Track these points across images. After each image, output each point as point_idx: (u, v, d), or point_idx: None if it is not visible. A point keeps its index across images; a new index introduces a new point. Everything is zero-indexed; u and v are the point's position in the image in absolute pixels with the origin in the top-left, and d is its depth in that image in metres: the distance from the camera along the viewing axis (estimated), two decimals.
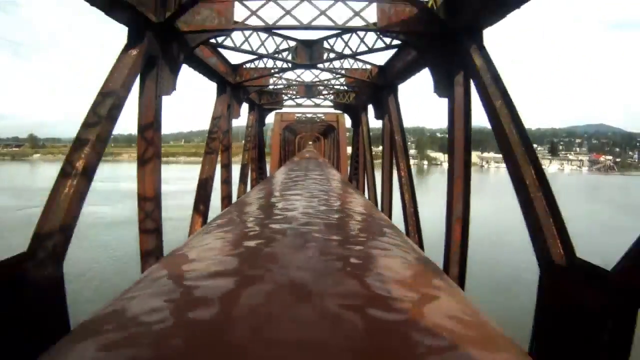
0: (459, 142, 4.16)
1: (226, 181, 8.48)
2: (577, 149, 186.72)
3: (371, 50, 5.71)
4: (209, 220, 5.86)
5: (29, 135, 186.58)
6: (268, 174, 14.46)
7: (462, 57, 3.88)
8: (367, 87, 8.30)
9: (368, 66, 7.70)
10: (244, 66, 7.84)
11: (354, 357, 1.58)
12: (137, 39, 3.93)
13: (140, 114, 4.30)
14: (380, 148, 8.76)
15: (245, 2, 4.50)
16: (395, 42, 5.36)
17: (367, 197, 9.73)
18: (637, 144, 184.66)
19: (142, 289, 2.35)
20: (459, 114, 4.19)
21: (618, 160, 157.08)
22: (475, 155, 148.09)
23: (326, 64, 7.27)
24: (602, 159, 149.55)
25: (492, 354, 1.71)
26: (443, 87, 4.27)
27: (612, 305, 2.10)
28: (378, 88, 7.70)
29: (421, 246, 5.73)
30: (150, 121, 4.34)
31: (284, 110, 15.82)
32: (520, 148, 3.07)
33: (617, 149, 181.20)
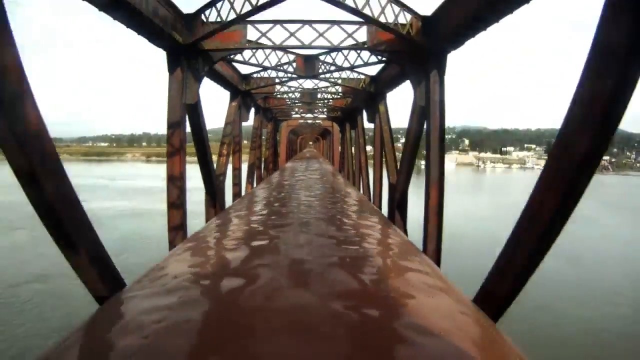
0: (377, 148, 9.59)
1: (259, 167, 13.91)
2: None
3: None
4: (254, 186, 11.41)
5: None
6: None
7: (377, 105, 9.24)
8: (344, 111, 13.82)
9: (347, 95, 13.01)
10: (273, 97, 13.21)
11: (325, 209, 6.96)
12: (235, 97, 9.33)
13: (233, 131, 9.71)
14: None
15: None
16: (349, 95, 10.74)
17: (347, 179, 15.18)
18: (635, 144, 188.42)
19: (238, 205, 7.63)
20: (378, 132, 9.56)
21: (614, 160, 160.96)
22: (472, 155, 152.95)
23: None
24: None
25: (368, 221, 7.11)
26: (371, 118, 9.69)
27: (396, 194, 7.43)
28: (352, 110, 13.14)
29: (370, 198, 11.12)
30: (237, 133, 9.76)
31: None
32: (390, 149, 8.41)
33: (615, 150, 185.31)
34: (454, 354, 2.13)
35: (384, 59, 6.90)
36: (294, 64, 7.82)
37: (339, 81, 9.90)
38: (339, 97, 12.00)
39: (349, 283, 3.27)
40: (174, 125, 5.57)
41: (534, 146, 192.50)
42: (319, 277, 3.37)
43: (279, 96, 11.64)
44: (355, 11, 4.67)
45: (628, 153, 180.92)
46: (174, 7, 5.18)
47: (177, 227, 5.64)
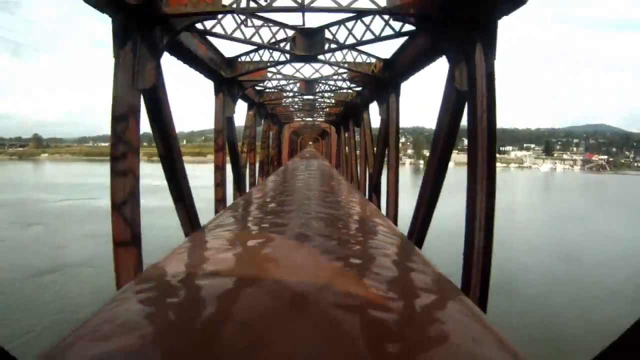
0: (362, 148, 12.46)
1: (267, 163, 16.84)
2: (574, 148, 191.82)
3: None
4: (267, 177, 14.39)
5: (34, 135, 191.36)
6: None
7: (362, 114, 12.12)
8: (338, 116, 16.76)
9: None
10: (278, 108, 16.11)
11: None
12: (252, 107, 12.23)
13: (250, 134, 12.57)
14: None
15: None
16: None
17: (343, 174, 18.10)
18: (634, 143, 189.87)
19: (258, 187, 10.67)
20: (362, 135, 12.44)
21: (611, 159, 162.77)
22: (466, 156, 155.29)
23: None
24: (594, 158, 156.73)
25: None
26: (357, 124, 12.56)
27: None
28: (344, 116, 16.06)
29: (358, 187, 14.01)
30: (253, 135, 12.65)
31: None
32: (370, 147, 11.28)
33: (614, 149, 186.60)
34: (377, 248, 4.90)
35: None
36: (298, 85, 10.74)
37: (333, 94, 12.92)
38: (333, 105, 14.90)
39: (333, 214, 6.20)
40: (218, 131, 8.46)
41: (532, 146, 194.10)
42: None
43: (284, 104, 14.56)
44: (336, 64, 7.54)
45: (627, 152, 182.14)
46: (221, 54, 8.08)
47: (220, 200, 8.55)
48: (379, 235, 5.44)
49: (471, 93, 4.54)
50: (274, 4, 4.50)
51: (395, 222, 8.30)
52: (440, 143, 5.28)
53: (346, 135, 18.46)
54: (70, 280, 14.54)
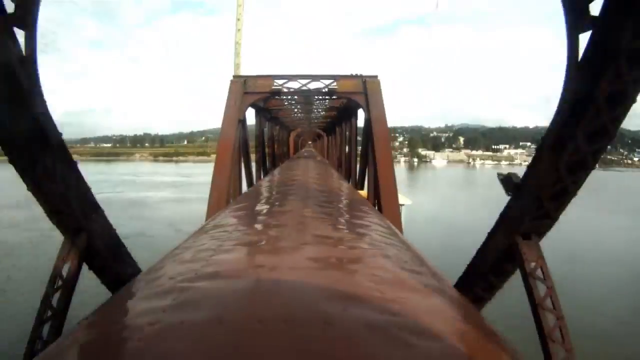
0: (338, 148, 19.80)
1: (281, 156, 24.25)
2: None
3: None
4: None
5: None
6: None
7: (336, 128, 19.39)
8: (325, 127, 24.21)
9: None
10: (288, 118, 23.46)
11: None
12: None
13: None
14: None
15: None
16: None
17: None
18: (629, 141, 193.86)
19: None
20: (338, 141, 19.73)
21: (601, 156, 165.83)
22: (463, 153, 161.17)
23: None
24: None
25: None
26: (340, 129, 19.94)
27: None
28: (329, 127, 23.36)
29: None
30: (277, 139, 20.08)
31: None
32: (343, 149, 18.56)
33: (609, 147, 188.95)
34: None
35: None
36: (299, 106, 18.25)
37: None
38: (323, 117, 22.37)
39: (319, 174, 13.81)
40: (257, 139, 15.77)
41: (528, 144, 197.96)
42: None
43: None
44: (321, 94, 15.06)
45: (621, 150, 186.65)
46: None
47: (269, 168, 16.14)
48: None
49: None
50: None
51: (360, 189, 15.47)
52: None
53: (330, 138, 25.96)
54: (134, 245, 23.60)
